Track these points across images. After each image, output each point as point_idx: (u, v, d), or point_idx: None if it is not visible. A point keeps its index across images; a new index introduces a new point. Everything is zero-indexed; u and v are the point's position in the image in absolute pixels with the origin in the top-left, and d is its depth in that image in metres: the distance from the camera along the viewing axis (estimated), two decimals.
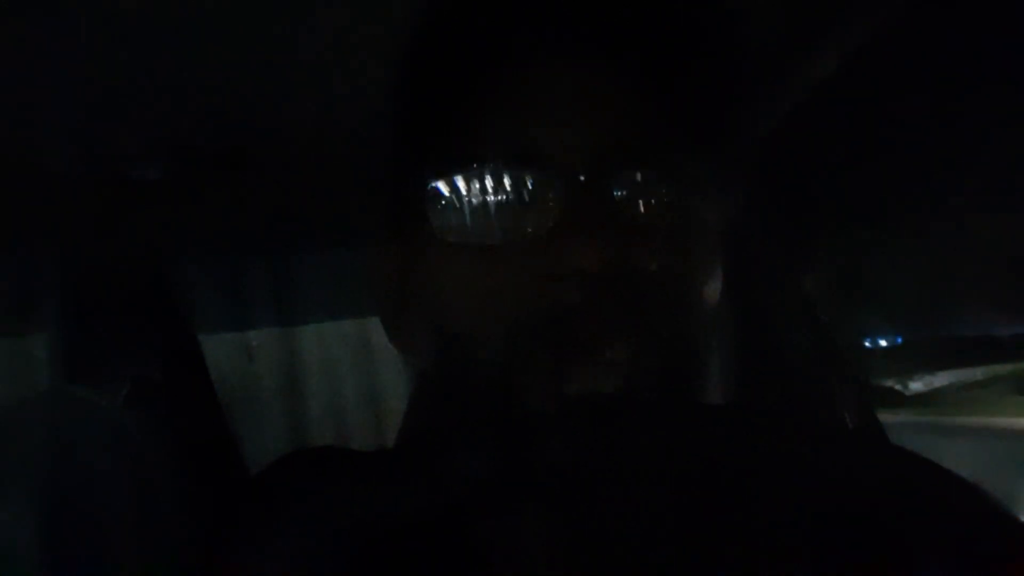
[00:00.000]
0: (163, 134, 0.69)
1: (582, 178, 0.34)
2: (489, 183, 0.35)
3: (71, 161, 0.69)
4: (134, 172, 0.73)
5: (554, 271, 0.34)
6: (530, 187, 0.35)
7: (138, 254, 0.84)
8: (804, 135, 0.74)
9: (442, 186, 0.36)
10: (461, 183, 0.35)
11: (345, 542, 0.31)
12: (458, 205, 0.36)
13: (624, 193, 0.35)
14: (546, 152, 0.35)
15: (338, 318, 0.99)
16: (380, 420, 0.96)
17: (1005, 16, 0.62)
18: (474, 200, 0.35)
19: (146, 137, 0.70)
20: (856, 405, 0.80)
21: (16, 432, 0.54)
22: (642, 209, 0.35)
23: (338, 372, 0.98)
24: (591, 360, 0.33)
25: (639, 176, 0.35)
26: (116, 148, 0.70)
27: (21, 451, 0.52)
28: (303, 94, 0.64)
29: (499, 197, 0.35)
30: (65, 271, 0.82)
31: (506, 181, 0.35)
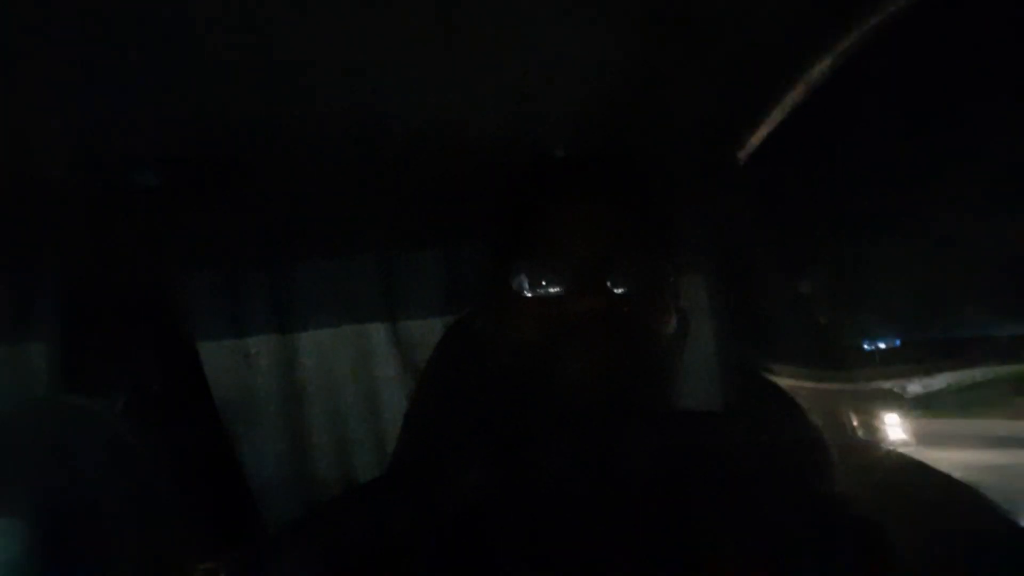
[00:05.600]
0: (161, 142, 0.69)
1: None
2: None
3: (69, 170, 0.69)
4: (132, 181, 0.73)
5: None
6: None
7: (136, 263, 0.84)
8: (800, 139, 0.74)
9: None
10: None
11: (351, 555, 0.31)
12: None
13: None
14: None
15: (337, 325, 0.99)
16: (380, 428, 0.96)
17: (1003, 18, 0.63)
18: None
19: (144, 145, 0.70)
20: (855, 408, 0.80)
21: (15, 439, 0.54)
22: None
23: (337, 380, 0.98)
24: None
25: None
26: (114, 156, 0.70)
27: (19, 457, 0.52)
28: (303, 103, 0.64)
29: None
30: (63, 280, 0.82)
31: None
